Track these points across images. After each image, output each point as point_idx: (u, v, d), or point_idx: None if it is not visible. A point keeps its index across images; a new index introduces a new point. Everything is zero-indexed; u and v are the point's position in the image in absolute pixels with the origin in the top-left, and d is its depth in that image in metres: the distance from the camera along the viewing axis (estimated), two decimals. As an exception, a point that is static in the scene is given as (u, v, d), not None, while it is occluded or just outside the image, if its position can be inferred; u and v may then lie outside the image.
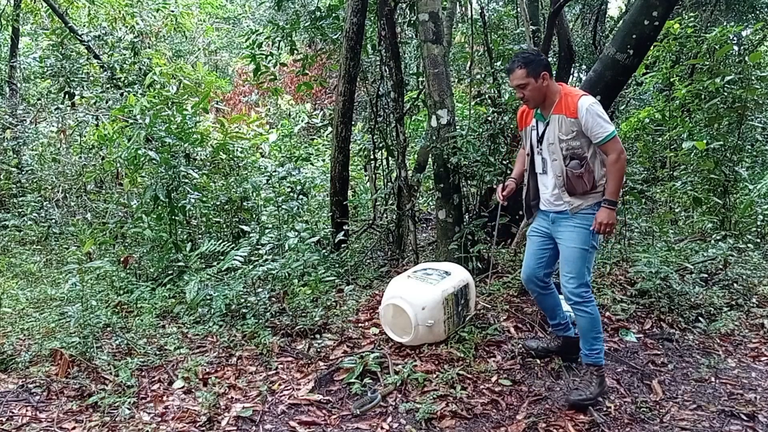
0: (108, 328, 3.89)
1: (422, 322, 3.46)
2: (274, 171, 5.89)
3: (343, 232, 5.43)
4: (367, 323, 3.99)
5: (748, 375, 3.52)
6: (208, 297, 4.15)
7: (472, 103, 5.77)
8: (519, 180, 3.46)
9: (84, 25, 9.83)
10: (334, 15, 6.35)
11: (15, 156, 8.88)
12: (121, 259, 5.13)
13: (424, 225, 7.98)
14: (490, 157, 4.53)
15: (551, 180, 3.16)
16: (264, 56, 6.87)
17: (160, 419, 2.96)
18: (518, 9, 8.22)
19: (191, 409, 3.02)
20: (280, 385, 3.30)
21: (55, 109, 8.71)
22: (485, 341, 3.67)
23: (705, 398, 3.26)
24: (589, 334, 3.14)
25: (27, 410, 3.00)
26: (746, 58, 5.63)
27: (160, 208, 5.07)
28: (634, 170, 5.62)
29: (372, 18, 5.91)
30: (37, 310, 4.60)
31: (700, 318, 4.15)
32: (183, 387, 3.24)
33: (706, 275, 4.78)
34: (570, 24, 10.34)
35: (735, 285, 4.61)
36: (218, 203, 5.85)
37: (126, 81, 8.35)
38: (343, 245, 5.51)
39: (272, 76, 7.22)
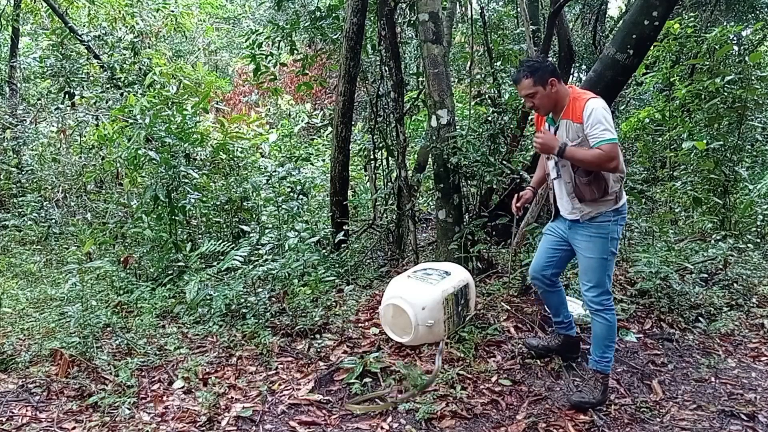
0: (108, 328, 3.89)
1: (422, 322, 3.46)
2: (274, 171, 5.89)
3: (343, 232, 5.43)
4: (367, 323, 3.99)
5: (748, 375, 3.52)
6: (208, 297, 4.15)
7: (472, 103, 5.78)
8: (537, 187, 3.43)
9: (84, 25, 9.83)
10: (334, 15, 6.34)
11: (15, 156, 8.86)
12: (121, 259, 5.13)
13: (424, 225, 7.97)
14: (490, 157, 4.53)
15: (564, 185, 3.10)
16: (264, 56, 6.86)
17: (160, 419, 2.96)
18: (518, 9, 8.21)
19: (191, 409, 3.02)
20: (280, 385, 3.30)
21: (55, 109, 8.69)
22: (485, 341, 3.67)
23: (705, 398, 3.26)
24: (604, 341, 3.10)
25: (27, 410, 3.00)
26: (746, 58, 5.63)
27: (160, 208, 5.07)
28: (634, 170, 5.62)
29: (372, 18, 5.90)
30: (37, 310, 4.60)
31: (700, 318, 4.15)
32: (183, 387, 3.25)
33: (706, 275, 4.78)
34: (570, 24, 10.35)
35: (735, 285, 4.61)
36: (218, 203, 5.84)
37: (126, 81, 8.35)
38: (343, 245, 5.51)
39: (272, 76, 7.21)
